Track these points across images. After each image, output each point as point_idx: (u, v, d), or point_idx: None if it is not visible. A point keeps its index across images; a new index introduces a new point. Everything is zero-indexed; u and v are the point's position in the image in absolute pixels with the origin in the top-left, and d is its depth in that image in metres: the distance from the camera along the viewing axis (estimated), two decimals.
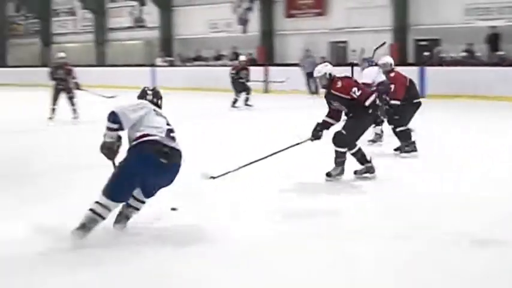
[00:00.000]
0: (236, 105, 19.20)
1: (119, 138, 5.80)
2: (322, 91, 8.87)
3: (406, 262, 5.11)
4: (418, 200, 7.15)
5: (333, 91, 8.32)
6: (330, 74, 8.41)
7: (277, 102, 21.02)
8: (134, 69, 30.68)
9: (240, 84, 19.42)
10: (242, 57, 20.61)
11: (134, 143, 5.66)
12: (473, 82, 20.63)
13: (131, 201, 5.88)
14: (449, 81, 21.22)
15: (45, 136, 13.78)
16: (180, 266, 5.06)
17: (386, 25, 25.93)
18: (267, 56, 28.96)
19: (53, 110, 15.93)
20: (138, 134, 5.67)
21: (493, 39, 23.64)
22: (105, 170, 5.79)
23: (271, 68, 26.40)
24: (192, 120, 15.31)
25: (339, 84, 8.31)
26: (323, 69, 8.53)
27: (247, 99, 19.39)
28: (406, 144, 10.23)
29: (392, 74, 11.10)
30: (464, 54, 23.52)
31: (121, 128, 5.66)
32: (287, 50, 29.63)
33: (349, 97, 8.16)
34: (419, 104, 10.79)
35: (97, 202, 5.58)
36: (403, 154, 10.20)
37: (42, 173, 9.06)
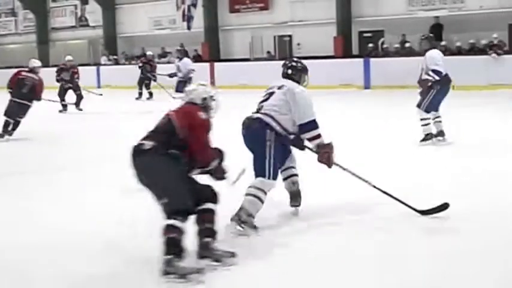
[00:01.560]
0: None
1: None
2: None
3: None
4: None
5: None
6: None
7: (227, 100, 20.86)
8: (78, 68, 30.28)
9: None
10: (149, 52, 21.47)
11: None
12: (416, 72, 20.78)
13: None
14: (393, 71, 21.35)
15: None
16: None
17: (330, 18, 26.01)
18: (212, 52, 28.85)
19: (64, 106, 18.28)
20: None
21: (436, 30, 23.87)
22: None
23: (217, 64, 26.33)
24: (139, 117, 15.16)
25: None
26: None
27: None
28: None
29: None
30: (407, 44, 23.73)
31: None
32: (232, 45, 29.57)
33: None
34: None
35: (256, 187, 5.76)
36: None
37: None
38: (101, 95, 20.33)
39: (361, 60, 22.85)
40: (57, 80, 18.89)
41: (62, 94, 18.65)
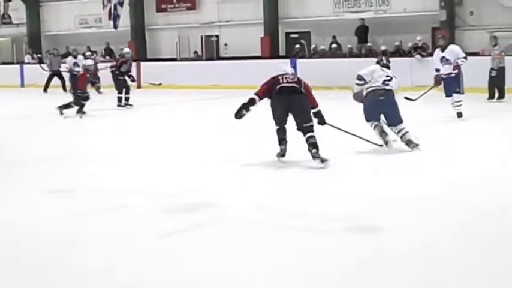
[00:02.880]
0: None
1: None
2: None
3: None
4: None
5: None
6: None
7: (152, 99, 20.70)
8: (1, 66, 29.83)
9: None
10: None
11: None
12: (341, 73, 21.00)
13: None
14: (319, 73, 21.50)
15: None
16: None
17: (257, 18, 26.11)
18: (139, 52, 28.62)
19: (120, 98, 17.99)
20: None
21: (362, 32, 24.19)
22: None
23: (144, 64, 26.13)
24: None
25: None
26: None
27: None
28: None
29: None
30: (334, 46, 23.98)
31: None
32: (160, 44, 29.44)
33: None
34: None
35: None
36: None
37: None
38: (160, 84, 19.93)
39: (287, 61, 22.95)
40: (118, 73, 18.42)
41: (120, 87, 18.27)
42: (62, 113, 15.32)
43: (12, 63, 30.51)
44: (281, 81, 8.86)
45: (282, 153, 8.76)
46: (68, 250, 5.24)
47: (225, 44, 27.43)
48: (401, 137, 9.62)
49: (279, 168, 8.56)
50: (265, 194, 7.16)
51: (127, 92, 18.13)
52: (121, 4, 29.21)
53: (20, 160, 9.71)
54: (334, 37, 24.38)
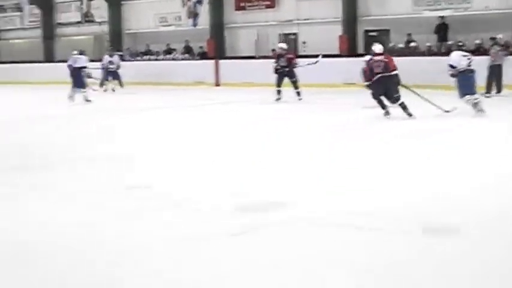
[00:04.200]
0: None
1: None
2: None
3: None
4: None
5: None
6: None
7: (229, 96, 20.88)
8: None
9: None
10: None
11: None
12: (421, 71, 20.77)
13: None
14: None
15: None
16: None
17: (336, 16, 26.03)
18: (218, 50, 28.83)
19: (279, 92, 18.52)
20: None
21: (442, 30, 23.87)
22: None
23: (222, 62, 26.35)
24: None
25: None
26: None
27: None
28: None
29: None
30: (413, 44, 23.73)
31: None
32: (238, 43, 29.58)
33: None
34: None
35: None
36: None
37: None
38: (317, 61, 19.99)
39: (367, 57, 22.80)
40: (276, 69, 18.83)
41: (279, 82, 18.72)
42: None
43: (93, 60, 31.04)
44: None
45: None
46: (136, 250, 5.28)
47: (304, 42, 27.41)
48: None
49: (342, 167, 8.58)
50: (331, 192, 7.10)
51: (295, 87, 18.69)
52: (200, 2, 29.57)
53: (90, 156, 9.94)
54: (409, 35, 24.13)
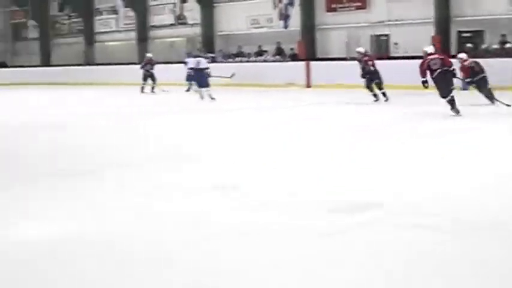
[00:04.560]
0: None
1: None
2: None
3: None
4: None
5: None
6: None
7: (319, 98, 20.92)
8: (176, 66, 30.84)
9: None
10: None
11: None
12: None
13: None
14: (493, 72, 20.91)
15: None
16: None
17: (428, 17, 25.74)
18: (309, 51, 28.88)
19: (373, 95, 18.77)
20: None
21: None
22: None
23: (313, 63, 26.38)
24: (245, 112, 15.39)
25: None
26: None
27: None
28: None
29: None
30: (509, 45, 23.26)
31: None
32: (329, 44, 29.55)
33: None
34: None
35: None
36: None
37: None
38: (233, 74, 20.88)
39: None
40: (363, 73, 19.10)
41: (369, 86, 18.96)
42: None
43: (186, 62, 31.46)
44: None
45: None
46: (228, 245, 5.37)
47: (395, 43, 27.19)
48: None
49: (436, 167, 8.54)
50: (422, 194, 7.04)
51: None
52: (292, 4, 29.66)
53: (192, 153, 10.13)
54: (503, 35, 23.64)
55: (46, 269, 4.94)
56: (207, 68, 21.61)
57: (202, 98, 21.01)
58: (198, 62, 21.67)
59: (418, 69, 14.66)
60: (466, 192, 7.07)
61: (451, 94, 14.15)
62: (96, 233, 5.85)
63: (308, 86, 25.69)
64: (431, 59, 14.48)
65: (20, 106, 22.38)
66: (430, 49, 15.04)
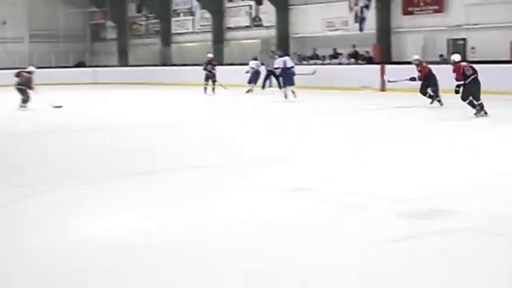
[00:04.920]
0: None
1: None
2: None
3: None
4: None
5: None
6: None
7: (393, 101, 20.78)
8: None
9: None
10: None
11: None
12: None
13: None
14: None
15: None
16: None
17: (508, 21, 25.31)
18: (384, 54, 28.70)
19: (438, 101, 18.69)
20: None
21: None
22: None
23: (388, 67, 26.20)
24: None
25: None
26: None
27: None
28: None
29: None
30: None
31: None
32: (404, 47, 29.27)
33: None
34: None
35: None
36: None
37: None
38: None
39: None
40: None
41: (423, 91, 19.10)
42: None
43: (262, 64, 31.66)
44: None
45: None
46: (306, 248, 5.43)
47: (472, 48, 26.79)
48: None
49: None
50: (499, 202, 6.94)
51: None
52: (367, 7, 29.48)
53: (260, 157, 10.24)
54: None
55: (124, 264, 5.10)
56: (293, 67, 22.51)
57: (286, 96, 21.79)
58: (285, 62, 22.56)
59: (454, 75, 15.56)
60: None
61: (480, 100, 15.32)
62: (172, 232, 6.02)
63: (382, 89, 25.53)
64: (464, 66, 15.58)
65: (124, 105, 22.95)
66: (458, 57, 16.07)
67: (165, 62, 39.32)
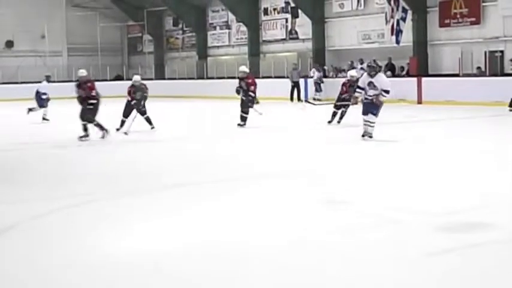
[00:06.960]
0: None
1: None
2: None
3: None
4: None
5: None
6: None
7: (432, 115, 20.74)
8: (287, 80, 31.16)
9: None
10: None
11: None
12: None
13: None
14: None
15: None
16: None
17: None
18: (421, 67, 28.61)
19: None
20: None
21: None
22: None
23: (425, 79, 26.15)
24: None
25: None
26: None
27: None
28: None
29: None
30: None
31: None
32: (441, 60, 29.14)
33: None
34: None
35: None
36: None
37: None
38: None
39: None
40: None
41: None
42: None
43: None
44: None
45: None
46: (340, 260, 5.54)
47: (510, 60, 26.58)
48: None
49: None
50: None
51: None
52: (404, 19, 29.38)
53: (302, 169, 10.34)
54: None
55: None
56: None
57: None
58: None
59: None
60: None
61: None
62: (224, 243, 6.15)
63: (419, 102, 25.47)
64: None
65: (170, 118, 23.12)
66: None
67: (201, 75, 39.55)
